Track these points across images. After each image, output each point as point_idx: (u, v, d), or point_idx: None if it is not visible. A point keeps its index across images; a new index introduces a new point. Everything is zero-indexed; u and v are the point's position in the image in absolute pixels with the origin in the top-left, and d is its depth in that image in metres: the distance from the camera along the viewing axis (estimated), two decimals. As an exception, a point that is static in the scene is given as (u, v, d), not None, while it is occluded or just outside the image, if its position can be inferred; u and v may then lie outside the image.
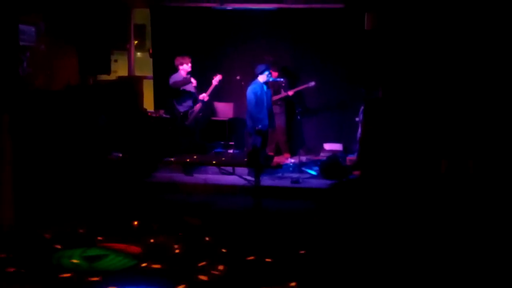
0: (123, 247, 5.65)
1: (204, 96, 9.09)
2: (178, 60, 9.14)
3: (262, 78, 8.44)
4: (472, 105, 5.46)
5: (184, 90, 9.08)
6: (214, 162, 8.87)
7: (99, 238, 5.86)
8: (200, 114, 9.24)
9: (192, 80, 9.04)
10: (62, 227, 6.19)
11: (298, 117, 9.09)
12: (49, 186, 6.92)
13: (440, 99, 5.76)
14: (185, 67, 9.11)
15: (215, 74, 9.08)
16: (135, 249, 5.58)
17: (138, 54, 11.57)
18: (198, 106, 9.12)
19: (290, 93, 9.50)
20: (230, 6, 10.08)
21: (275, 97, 9.43)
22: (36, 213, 6.46)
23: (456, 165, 5.12)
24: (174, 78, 9.06)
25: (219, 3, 10.04)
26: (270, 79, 8.58)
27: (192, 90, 9.14)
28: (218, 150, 9.72)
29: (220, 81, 9.04)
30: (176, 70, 9.16)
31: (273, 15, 10.06)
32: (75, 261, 5.23)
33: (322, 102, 10.07)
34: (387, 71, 7.12)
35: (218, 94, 9.94)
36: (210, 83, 9.04)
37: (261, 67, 8.48)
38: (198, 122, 9.31)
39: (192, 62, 9.19)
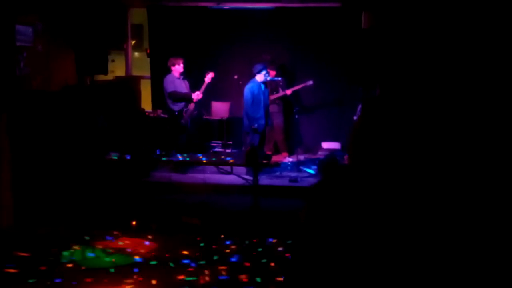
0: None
1: (198, 94, 9.07)
2: (170, 61, 9.14)
3: (259, 78, 8.45)
4: (471, 104, 5.45)
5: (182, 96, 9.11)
6: (212, 161, 8.89)
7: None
8: (196, 112, 9.24)
9: (194, 95, 9.03)
10: (61, 226, 6.20)
11: (296, 116, 9.10)
12: (47, 186, 6.92)
13: (438, 97, 5.77)
14: (177, 68, 9.10)
15: (207, 72, 9.09)
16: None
17: (136, 54, 11.57)
18: (192, 105, 9.13)
19: (288, 92, 9.50)
20: (227, 6, 10.08)
21: (273, 96, 9.44)
22: (34, 212, 6.47)
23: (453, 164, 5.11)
24: (170, 83, 9.05)
25: (216, 2, 10.04)
26: (268, 78, 8.58)
27: (186, 90, 9.15)
28: (216, 149, 9.71)
29: (212, 79, 9.04)
30: (169, 71, 9.16)
31: (270, 14, 10.06)
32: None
33: (320, 100, 10.07)
34: (385, 70, 7.13)
35: (216, 93, 9.94)
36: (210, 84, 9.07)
37: (258, 66, 8.48)
38: (194, 120, 9.31)
39: (189, 62, 9.18)
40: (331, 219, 1.93)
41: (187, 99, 9.05)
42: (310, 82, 9.40)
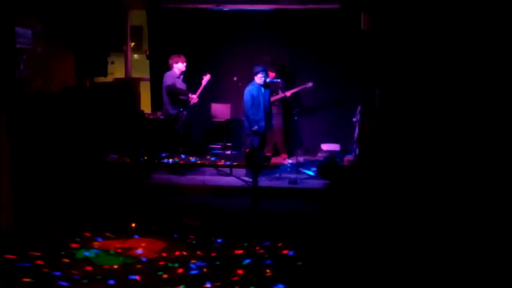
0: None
1: (194, 98, 9.00)
2: (173, 58, 9.02)
3: (258, 79, 8.46)
4: (470, 104, 5.47)
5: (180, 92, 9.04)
6: (212, 163, 8.89)
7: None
8: (187, 118, 9.19)
9: (193, 96, 8.93)
10: (61, 228, 6.20)
11: (296, 118, 9.11)
12: (47, 187, 6.92)
13: (438, 98, 5.78)
14: (179, 66, 9.00)
15: (204, 74, 9.03)
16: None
17: (135, 55, 11.57)
18: (185, 112, 9.07)
19: (288, 94, 9.51)
20: (226, 7, 10.10)
21: (273, 98, 9.44)
22: (34, 214, 6.47)
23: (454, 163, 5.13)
24: (171, 78, 8.96)
25: (216, 4, 10.05)
26: (267, 80, 8.59)
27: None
28: (216, 151, 9.72)
29: (208, 81, 8.97)
30: (169, 68, 9.11)
31: (269, 16, 10.08)
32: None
33: (319, 102, 10.09)
34: (384, 71, 7.14)
35: (216, 95, 9.95)
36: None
37: (257, 68, 8.50)
38: (189, 124, 9.25)
39: (189, 64, 9.13)
40: (343, 220, 1.94)
41: (184, 96, 8.92)
42: (310, 84, 9.41)
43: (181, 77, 9.09)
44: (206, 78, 8.98)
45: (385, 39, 7.19)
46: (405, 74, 6.46)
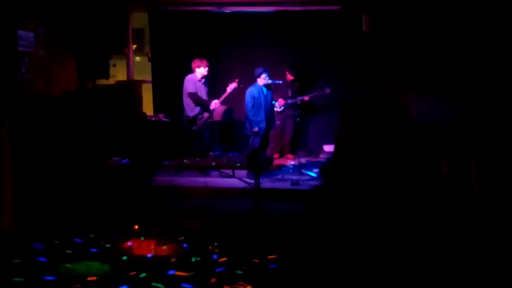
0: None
1: (216, 103, 8.93)
2: (195, 62, 8.87)
3: (260, 81, 8.46)
4: (471, 105, 5.46)
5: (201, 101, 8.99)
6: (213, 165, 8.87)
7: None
8: (210, 120, 9.10)
9: (211, 104, 8.87)
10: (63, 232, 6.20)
11: (297, 119, 9.10)
12: (49, 191, 6.92)
13: (438, 99, 5.77)
14: (201, 70, 8.83)
15: (230, 81, 8.84)
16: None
17: (137, 58, 11.59)
18: (207, 113, 8.98)
19: (306, 98, 9.55)
20: (228, 10, 10.11)
21: (290, 101, 9.49)
22: (36, 218, 6.47)
23: (456, 165, 5.12)
24: (192, 83, 8.86)
25: (217, 6, 10.07)
26: (269, 81, 8.59)
27: (204, 96, 9.00)
28: (217, 153, 9.71)
29: (235, 89, 8.83)
30: (191, 71, 8.98)
31: (270, 18, 10.09)
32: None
33: (321, 103, 10.08)
34: (385, 72, 7.14)
35: (217, 97, 9.94)
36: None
37: (258, 70, 8.50)
38: (207, 127, 9.17)
39: (190, 66, 9.06)
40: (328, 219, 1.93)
41: (204, 105, 8.90)
42: (328, 90, 9.37)
43: (203, 80, 8.97)
44: (232, 86, 8.81)
45: (386, 41, 7.19)
46: (406, 75, 6.46)
